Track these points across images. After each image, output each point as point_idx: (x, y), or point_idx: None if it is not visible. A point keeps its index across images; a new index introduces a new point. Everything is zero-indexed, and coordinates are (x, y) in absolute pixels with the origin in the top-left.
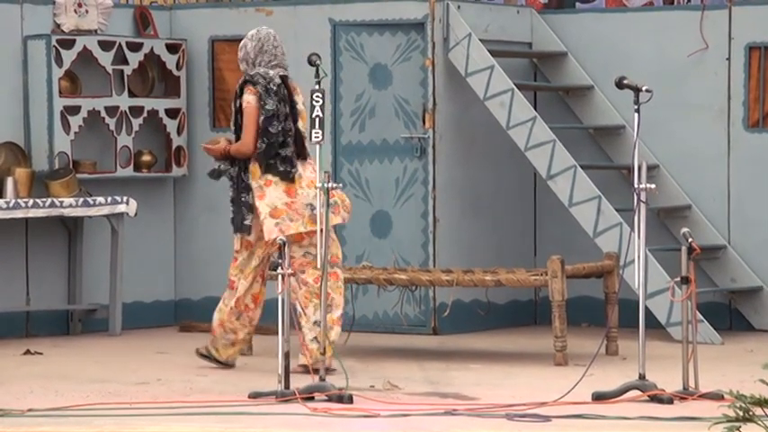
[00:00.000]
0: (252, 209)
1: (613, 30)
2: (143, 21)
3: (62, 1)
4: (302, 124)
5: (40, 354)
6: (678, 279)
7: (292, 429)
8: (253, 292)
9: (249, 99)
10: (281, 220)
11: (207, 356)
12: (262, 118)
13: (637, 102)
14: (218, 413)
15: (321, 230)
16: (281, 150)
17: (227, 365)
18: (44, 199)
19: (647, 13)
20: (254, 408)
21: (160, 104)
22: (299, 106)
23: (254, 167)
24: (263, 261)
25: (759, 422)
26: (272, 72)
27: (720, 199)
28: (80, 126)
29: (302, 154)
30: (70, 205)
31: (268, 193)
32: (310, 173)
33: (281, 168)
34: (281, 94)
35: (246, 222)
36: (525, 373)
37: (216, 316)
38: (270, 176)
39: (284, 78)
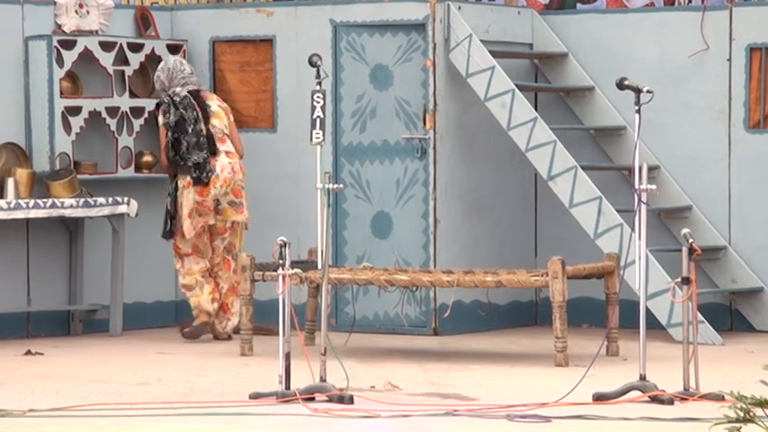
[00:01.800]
0: (173, 215)
1: (614, 31)
2: (144, 21)
3: (63, 2)
4: (218, 122)
5: (41, 354)
6: (679, 280)
7: (293, 430)
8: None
9: (159, 119)
10: (192, 219)
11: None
12: (169, 132)
13: (638, 103)
14: (218, 414)
15: (321, 232)
16: (194, 156)
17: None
18: (45, 200)
19: (648, 13)
20: (254, 408)
21: None
22: (213, 108)
23: (176, 174)
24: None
25: (760, 423)
26: (178, 89)
27: (721, 200)
28: (81, 127)
29: (213, 150)
30: (71, 206)
31: (186, 196)
32: (219, 170)
33: (195, 174)
34: (186, 102)
35: (168, 228)
36: (526, 374)
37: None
38: (188, 177)
39: (195, 92)
